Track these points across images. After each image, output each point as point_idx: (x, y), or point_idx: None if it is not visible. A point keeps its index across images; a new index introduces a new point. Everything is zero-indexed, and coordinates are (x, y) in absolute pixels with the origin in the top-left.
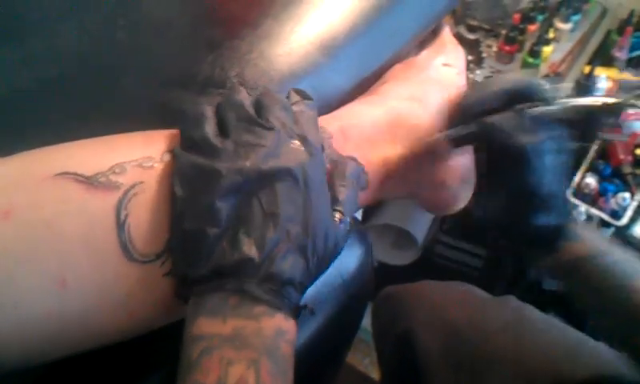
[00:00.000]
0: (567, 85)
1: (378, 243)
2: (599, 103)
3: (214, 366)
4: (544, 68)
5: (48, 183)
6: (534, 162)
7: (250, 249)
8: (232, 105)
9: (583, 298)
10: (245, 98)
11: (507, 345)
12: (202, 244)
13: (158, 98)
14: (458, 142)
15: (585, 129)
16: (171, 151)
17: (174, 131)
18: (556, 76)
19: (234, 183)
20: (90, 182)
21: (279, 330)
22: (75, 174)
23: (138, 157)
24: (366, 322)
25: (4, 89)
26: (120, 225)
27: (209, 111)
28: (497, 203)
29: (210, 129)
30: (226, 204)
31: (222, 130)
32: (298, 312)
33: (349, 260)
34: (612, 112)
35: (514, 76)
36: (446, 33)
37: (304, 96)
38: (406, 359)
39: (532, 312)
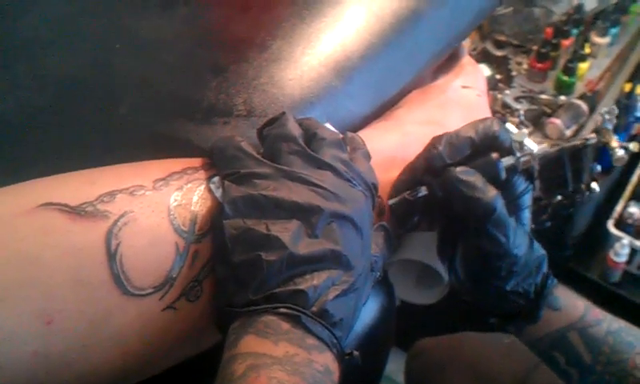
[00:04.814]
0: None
1: (400, 281)
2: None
3: (262, 383)
4: (580, 86)
5: (29, 215)
6: (504, 220)
7: (305, 283)
8: (284, 137)
9: (570, 374)
10: (295, 129)
11: None
12: (257, 271)
13: (158, 128)
14: (409, 207)
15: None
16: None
17: (166, 160)
18: (593, 95)
19: (290, 213)
20: (75, 211)
21: (327, 369)
22: (59, 204)
23: (128, 185)
24: (390, 368)
25: None
26: (111, 255)
27: (247, 146)
28: (466, 268)
29: (255, 161)
30: (282, 231)
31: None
32: (343, 357)
33: (369, 304)
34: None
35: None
36: (464, 55)
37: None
38: None
39: None
